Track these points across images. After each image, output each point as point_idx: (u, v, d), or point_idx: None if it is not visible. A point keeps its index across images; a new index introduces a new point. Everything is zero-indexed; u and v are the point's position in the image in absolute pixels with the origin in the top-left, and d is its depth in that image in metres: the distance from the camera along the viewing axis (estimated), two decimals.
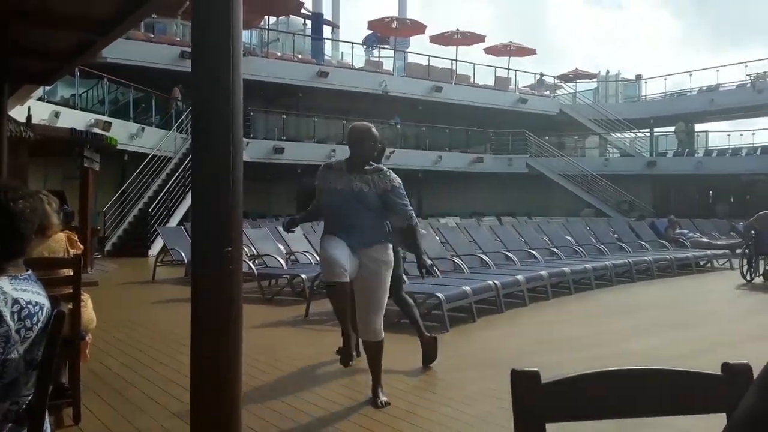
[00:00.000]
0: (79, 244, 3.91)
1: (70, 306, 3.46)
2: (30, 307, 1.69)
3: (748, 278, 11.08)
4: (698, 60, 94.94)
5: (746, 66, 27.55)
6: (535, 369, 1.18)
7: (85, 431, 3.65)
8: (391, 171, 4.22)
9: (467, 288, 7.19)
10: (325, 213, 4.28)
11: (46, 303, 1.77)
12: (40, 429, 1.78)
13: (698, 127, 29.99)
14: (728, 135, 28.95)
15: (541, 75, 32.30)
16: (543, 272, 8.98)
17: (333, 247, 3.99)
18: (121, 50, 17.03)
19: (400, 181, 4.20)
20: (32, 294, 1.73)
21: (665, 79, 30.76)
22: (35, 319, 1.70)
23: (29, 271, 1.81)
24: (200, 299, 2.82)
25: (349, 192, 4.10)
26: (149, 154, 18.42)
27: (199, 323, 2.78)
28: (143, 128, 19.03)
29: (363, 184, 4.11)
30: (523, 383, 1.17)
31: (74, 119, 15.14)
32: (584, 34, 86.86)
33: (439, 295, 6.76)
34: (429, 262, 4.55)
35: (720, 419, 1.16)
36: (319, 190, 4.27)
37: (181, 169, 18.10)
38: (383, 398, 4.12)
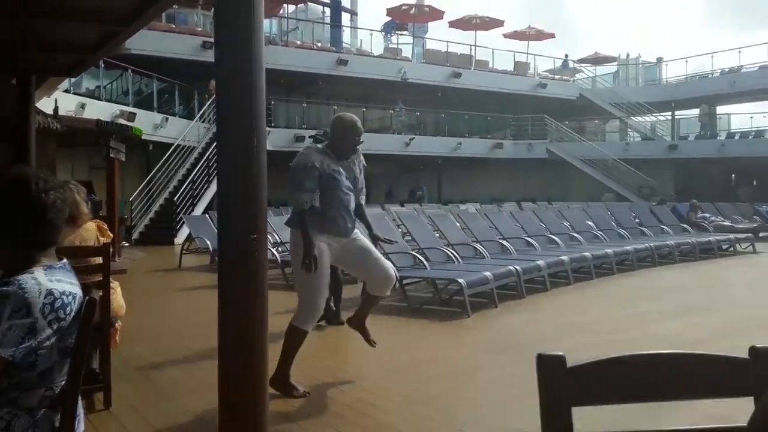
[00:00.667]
0: (108, 232, 3.98)
1: (101, 293, 3.54)
2: (64, 297, 1.73)
3: None
4: (723, 42, 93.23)
5: None
6: (561, 353, 1.21)
7: (116, 415, 3.73)
8: None
9: (488, 274, 7.20)
10: (325, 196, 4.13)
11: (79, 292, 1.80)
12: (73, 414, 1.83)
13: (720, 109, 29.51)
14: (751, 117, 28.48)
15: (566, 57, 31.96)
16: (564, 257, 8.96)
17: (326, 291, 4.21)
18: (144, 41, 17.15)
19: None
20: (66, 284, 1.77)
21: (686, 62, 30.27)
22: (68, 309, 1.73)
23: (64, 260, 1.85)
24: (227, 285, 2.88)
25: (347, 177, 4.26)
26: (173, 144, 18.59)
27: (227, 309, 2.85)
28: (167, 118, 19.20)
29: (354, 167, 4.33)
30: (550, 367, 1.20)
31: (100, 110, 15.31)
32: (605, 18, 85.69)
33: (461, 280, 6.79)
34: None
35: (747, 403, 1.17)
36: (320, 173, 4.12)
37: (204, 158, 18.23)
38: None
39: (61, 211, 1.82)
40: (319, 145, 4.31)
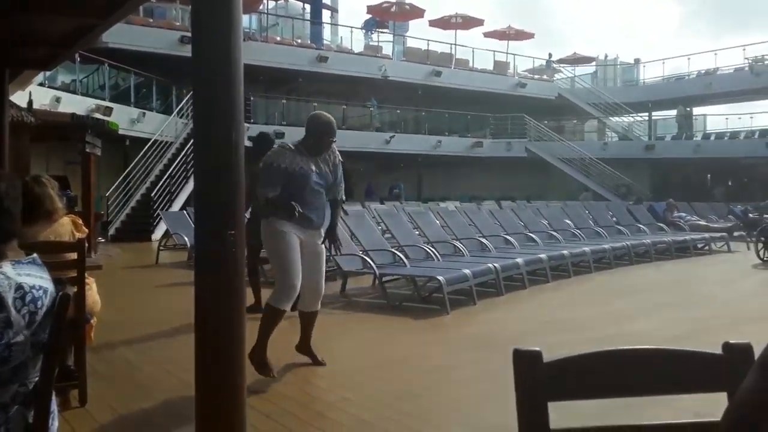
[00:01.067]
0: (84, 227, 3.93)
1: (75, 289, 3.50)
2: (34, 291, 1.70)
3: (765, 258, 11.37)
4: (700, 45, 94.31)
5: (744, 50, 27.48)
6: (537, 348, 1.21)
7: (91, 413, 3.68)
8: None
9: (467, 271, 7.23)
10: (292, 194, 4.24)
11: (50, 287, 1.78)
12: (47, 411, 1.80)
13: (696, 110, 29.91)
14: (726, 119, 28.96)
15: (550, 56, 32.20)
16: (542, 255, 9.03)
17: (299, 272, 4.28)
18: (121, 35, 16.99)
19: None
20: (36, 278, 1.74)
21: (663, 63, 30.65)
22: (39, 303, 1.71)
23: (33, 255, 1.83)
24: (204, 282, 2.85)
25: (316, 173, 4.36)
26: (151, 139, 18.41)
27: (203, 305, 2.82)
28: (144, 113, 19.02)
29: (324, 165, 4.42)
30: (526, 362, 1.20)
31: (75, 104, 15.13)
32: (585, 19, 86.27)
33: (440, 278, 6.81)
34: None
35: (720, 398, 1.18)
36: (289, 172, 4.26)
37: (182, 154, 18.09)
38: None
39: (15, 200, 1.80)
40: (291, 144, 4.42)
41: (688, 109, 28.38)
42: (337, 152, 4.52)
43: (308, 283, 4.39)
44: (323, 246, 4.54)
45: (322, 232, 4.52)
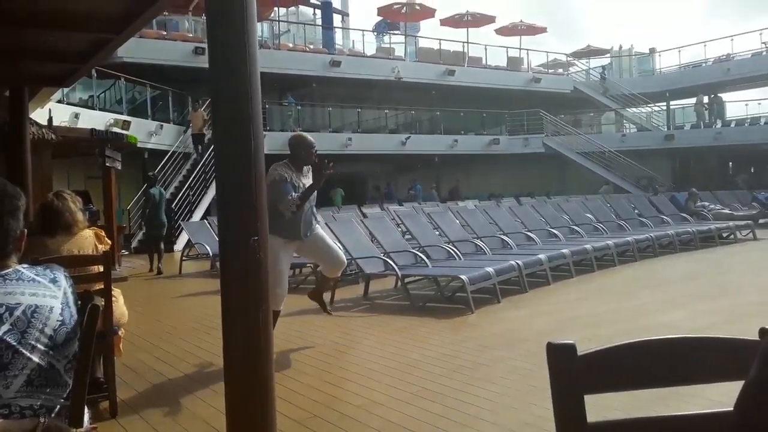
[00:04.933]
0: (107, 240, 3.97)
1: (103, 302, 3.53)
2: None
3: None
4: (724, 32, 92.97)
5: (761, 34, 27.08)
6: (571, 341, 1.19)
7: (122, 424, 3.71)
8: None
9: (490, 269, 7.19)
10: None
11: (40, 302, 1.71)
12: (80, 422, 1.81)
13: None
14: (746, 104, 28.50)
15: (567, 57, 32.04)
16: (565, 250, 8.95)
17: (284, 282, 5.09)
18: (136, 49, 17.13)
19: None
20: (18, 296, 1.69)
21: (679, 51, 30.28)
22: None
23: (13, 268, 1.75)
24: (230, 289, 2.86)
25: (303, 186, 5.14)
26: (169, 151, 18.56)
27: (230, 312, 2.83)
28: (161, 125, 19.18)
29: (306, 179, 5.21)
30: (560, 356, 1.18)
31: (94, 120, 15.29)
32: (602, 11, 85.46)
33: (463, 277, 6.78)
34: None
35: None
36: (293, 187, 5.02)
37: (201, 164, 18.20)
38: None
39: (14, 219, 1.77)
40: (282, 162, 5.15)
41: (712, 96, 27.87)
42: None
43: (331, 259, 5.35)
44: (318, 228, 5.38)
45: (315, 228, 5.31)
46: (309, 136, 5.38)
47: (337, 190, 22.88)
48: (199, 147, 18.75)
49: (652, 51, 32.11)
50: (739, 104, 29.17)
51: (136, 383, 4.54)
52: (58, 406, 1.77)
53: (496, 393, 4.03)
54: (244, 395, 2.81)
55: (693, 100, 27.93)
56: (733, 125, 27.03)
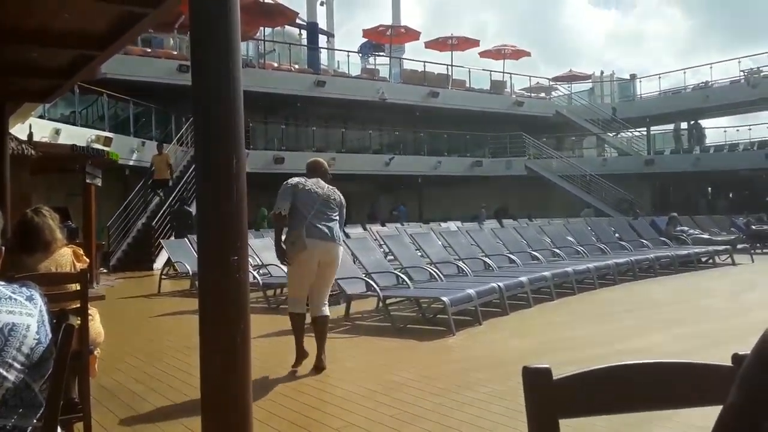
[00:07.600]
0: (84, 258, 3.92)
1: (78, 320, 3.47)
2: None
3: None
4: (704, 60, 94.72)
5: (739, 62, 27.63)
6: (547, 365, 1.19)
7: None
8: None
9: (471, 291, 7.20)
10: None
11: (5, 319, 1.64)
12: None
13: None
14: (725, 131, 29.00)
15: (549, 81, 32.44)
16: (546, 273, 8.99)
17: (304, 287, 5.46)
18: (120, 65, 17.08)
19: None
20: None
21: (660, 78, 30.84)
22: None
23: None
24: (208, 308, 2.84)
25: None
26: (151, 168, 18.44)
27: (208, 332, 2.80)
28: (144, 143, 19.08)
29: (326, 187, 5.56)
30: (535, 380, 1.18)
31: (75, 136, 15.14)
32: (588, 36, 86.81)
33: (444, 299, 6.78)
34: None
35: None
36: (311, 193, 5.39)
37: (182, 182, 18.10)
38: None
39: None
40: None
41: (692, 122, 28.29)
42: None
43: (317, 295, 5.46)
44: (338, 255, 5.49)
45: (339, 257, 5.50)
46: (324, 163, 5.75)
47: None
48: (160, 192, 17.85)
49: (633, 77, 32.61)
50: (718, 131, 29.71)
51: (111, 404, 4.47)
52: (30, 427, 1.74)
53: (476, 416, 4.01)
54: (221, 417, 2.77)
55: (671, 126, 28.38)
56: (712, 151, 27.45)
